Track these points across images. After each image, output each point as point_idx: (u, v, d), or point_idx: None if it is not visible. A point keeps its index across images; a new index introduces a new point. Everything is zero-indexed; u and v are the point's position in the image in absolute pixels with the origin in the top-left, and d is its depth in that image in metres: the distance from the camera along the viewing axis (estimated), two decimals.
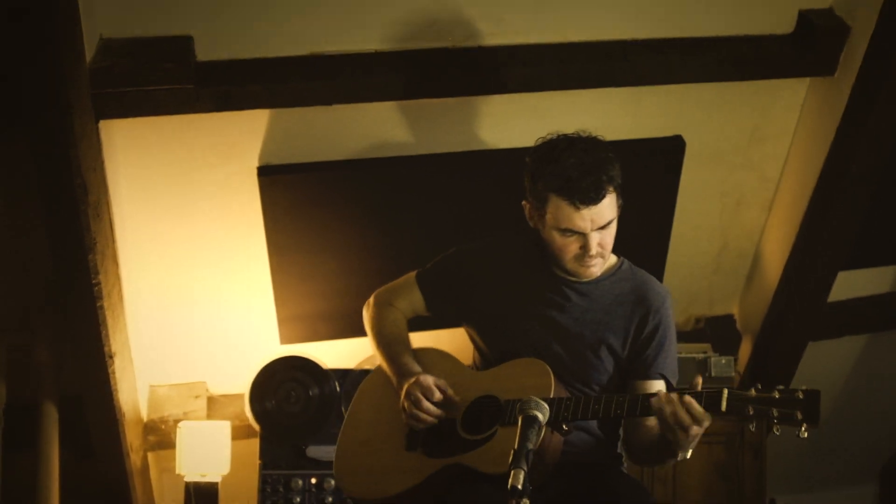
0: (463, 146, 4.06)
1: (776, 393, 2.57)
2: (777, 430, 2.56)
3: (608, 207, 2.91)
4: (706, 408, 2.65)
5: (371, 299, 3.34)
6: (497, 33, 3.79)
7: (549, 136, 3.02)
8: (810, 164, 4.26)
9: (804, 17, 4.00)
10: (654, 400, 2.72)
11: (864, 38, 3.89)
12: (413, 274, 3.29)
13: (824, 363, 5.01)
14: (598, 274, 3.05)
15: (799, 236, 4.41)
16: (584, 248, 2.94)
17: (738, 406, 2.60)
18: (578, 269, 3.00)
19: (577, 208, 2.87)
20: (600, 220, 2.90)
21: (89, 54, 3.44)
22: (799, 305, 4.56)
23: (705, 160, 4.32)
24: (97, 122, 3.53)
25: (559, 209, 2.90)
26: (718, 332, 4.86)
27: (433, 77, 3.78)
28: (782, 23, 4.02)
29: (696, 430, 2.68)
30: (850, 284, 4.75)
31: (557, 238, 2.95)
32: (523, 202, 3.05)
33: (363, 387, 3.31)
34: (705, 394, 2.66)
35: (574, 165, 2.87)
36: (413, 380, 3.03)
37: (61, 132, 3.29)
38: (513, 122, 4.03)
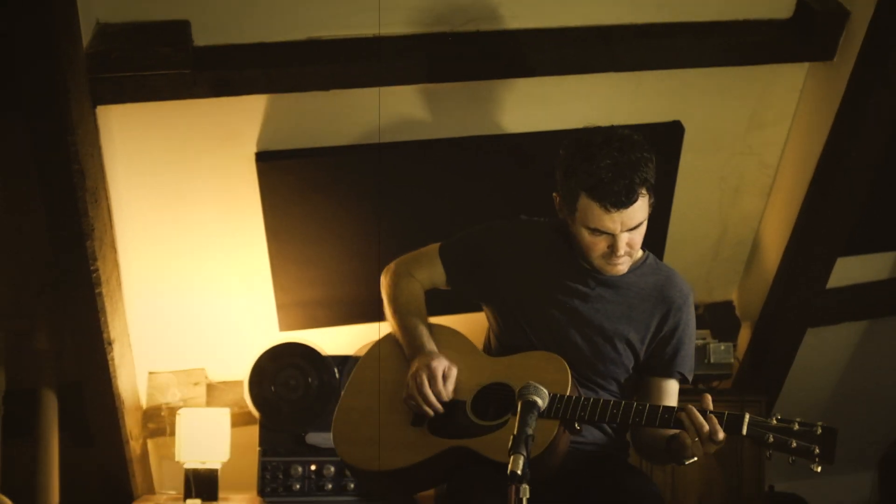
0: (462, 132, 4.05)
1: (795, 425, 2.60)
2: (792, 461, 2.61)
3: (639, 210, 2.86)
4: (726, 429, 2.67)
5: (391, 266, 3.26)
6: (496, 18, 3.78)
7: (584, 128, 2.94)
8: (809, 149, 4.25)
9: (803, 2, 4.00)
10: (681, 416, 2.72)
11: (864, 23, 3.89)
12: (436, 245, 3.22)
13: (823, 350, 5.01)
14: (625, 271, 3.01)
15: (798, 222, 4.41)
16: (612, 247, 2.89)
17: (758, 432, 2.63)
18: (605, 266, 2.96)
19: (608, 211, 2.82)
20: (631, 222, 2.86)
21: (86, 39, 3.44)
22: (798, 292, 4.56)
23: (704, 146, 4.32)
24: (94, 107, 3.53)
25: (589, 209, 2.85)
26: (717, 318, 4.85)
27: (432, 62, 3.77)
28: (781, 8, 4.02)
29: (713, 450, 2.71)
30: (848, 271, 4.75)
31: (586, 235, 2.91)
32: (554, 193, 2.99)
33: (370, 353, 3.23)
34: (727, 415, 2.68)
35: (608, 167, 2.80)
36: (425, 361, 2.98)
37: (59, 118, 3.30)
38: (512, 107, 4.02)
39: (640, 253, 3.07)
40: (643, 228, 2.92)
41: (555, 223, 3.07)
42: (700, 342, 4.53)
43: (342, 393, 3.19)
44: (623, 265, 2.96)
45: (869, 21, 3.86)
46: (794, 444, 2.59)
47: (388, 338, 3.22)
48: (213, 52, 3.61)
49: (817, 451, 2.58)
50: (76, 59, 3.34)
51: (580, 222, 2.90)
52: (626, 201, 2.82)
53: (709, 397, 2.72)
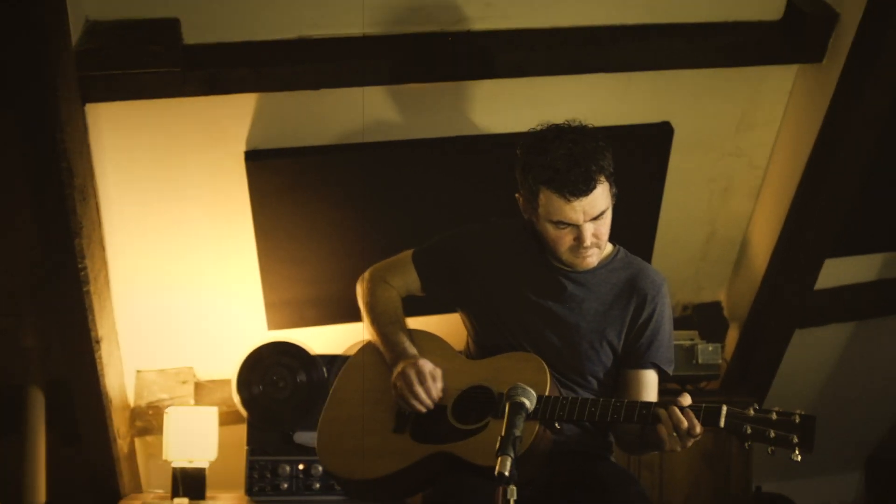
0: (452, 131, 4.05)
1: (773, 415, 2.59)
2: (771, 451, 2.59)
3: (600, 197, 2.87)
4: (704, 422, 2.67)
5: (366, 274, 3.26)
6: (486, 18, 3.78)
7: (539, 127, 2.98)
8: (798, 151, 4.27)
9: (792, 4, 4.01)
10: (659, 413, 2.72)
11: (853, 25, 3.90)
12: (410, 252, 3.22)
13: (811, 351, 5.03)
14: (595, 264, 3.03)
15: (786, 224, 4.42)
16: (579, 239, 2.90)
17: (735, 424, 2.62)
18: (574, 260, 2.97)
19: (568, 200, 2.84)
20: (593, 210, 2.87)
21: (75, 37, 3.43)
22: (786, 293, 4.57)
23: (693, 147, 4.33)
24: (83, 105, 3.52)
25: (550, 201, 2.87)
26: (706, 319, 4.86)
27: (422, 62, 3.78)
28: (771, 9, 4.03)
29: (690, 443, 2.71)
30: (837, 272, 4.76)
31: (551, 230, 2.92)
32: (516, 195, 3.02)
33: (350, 363, 3.24)
34: (704, 408, 2.67)
35: (563, 157, 2.83)
36: (411, 361, 2.99)
37: (47, 115, 3.29)
38: (501, 107, 4.02)
39: (609, 247, 3.08)
40: (608, 218, 2.93)
41: (525, 225, 3.08)
42: (688, 342, 4.54)
43: (325, 405, 3.19)
44: (592, 257, 2.97)
45: (858, 23, 3.87)
46: (773, 434, 2.57)
47: (367, 347, 3.22)
48: (203, 51, 3.61)
49: (796, 439, 2.55)
50: (65, 57, 3.32)
51: (544, 218, 2.92)
52: (585, 189, 2.83)
53: (687, 395, 2.73)
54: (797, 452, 2.56)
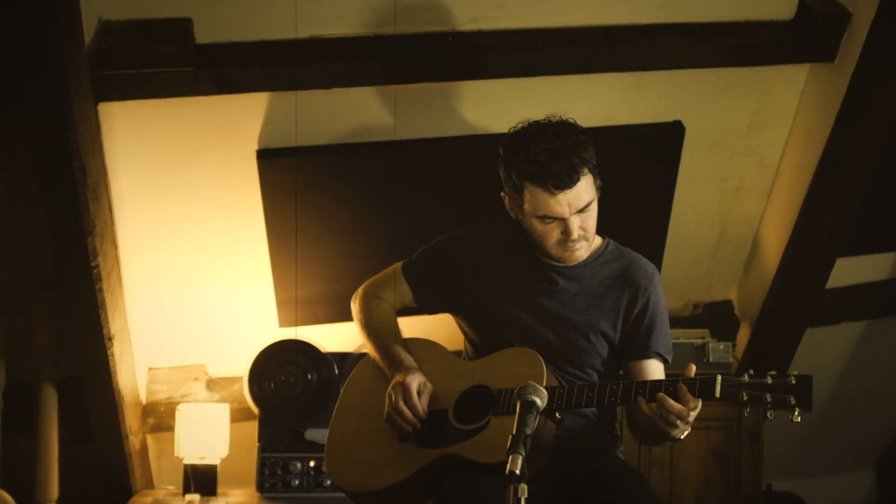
0: (464, 130, 4.06)
1: (769, 378, 2.58)
2: (771, 415, 2.59)
3: (585, 190, 2.88)
4: (700, 394, 2.66)
5: (359, 291, 3.29)
6: (498, 18, 3.78)
7: (519, 125, 2.99)
8: (810, 150, 4.26)
9: (805, 4, 4.00)
10: (657, 398, 2.72)
11: (865, 25, 3.89)
12: (399, 265, 3.25)
13: (822, 350, 5.02)
14: (585, 257, 3.03)
15: (798, 223, 4.42)
16: (566, 233, 2.91)
17: (731, 392, 2.61)
18: (563, 254, 2.98)
19: (553, 193, 2.85)
20: (578, 203, 2.88)
21: (88, 36, 3.44)
22: (797, 292, 4.57)
23: (705, 146, 4.32)
24: (96, 104, 3.54)
25: (535, 196, 2.88)
26: (717, 317, 4.86)
27: (434, 61, 3.78)
28: (783, 9, 4.02)
29: (691, 417, 2.70)
30: (848, 271, 4.76)
31: (538, 226, 2.93)
32: (502, 193, 3.03)
33: (352, 377, 3.25)
34: (699, 380, 2.67)
35: (545, 151, 2.84)
36: (399, 378, 2.99)
37: (60, 115, 3.30)
38: (514, 107, 4.00)
39: (598, 240, 3.09)
40: (594, 211, 2.94)
41: (512, 224, 3.09)
42: (699, 341, 4.54)
43: (331, 420, 3.20)
44: (581, 250, 2.98)
45: (870, 23, 3.86)
46: (770, 398, 2.56)
47: (367, 360, 3.23)
48: (215, 50, 3.62)
49: (793, 400, 2.54)
50: (78, 56, 3.34)
51: (530, 214, 2.92)
52: (569, 181, 2.84)
53: (692, 366, 2.72)
54: (797, 413, 2.54)
